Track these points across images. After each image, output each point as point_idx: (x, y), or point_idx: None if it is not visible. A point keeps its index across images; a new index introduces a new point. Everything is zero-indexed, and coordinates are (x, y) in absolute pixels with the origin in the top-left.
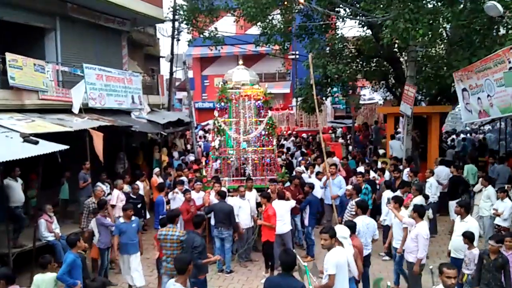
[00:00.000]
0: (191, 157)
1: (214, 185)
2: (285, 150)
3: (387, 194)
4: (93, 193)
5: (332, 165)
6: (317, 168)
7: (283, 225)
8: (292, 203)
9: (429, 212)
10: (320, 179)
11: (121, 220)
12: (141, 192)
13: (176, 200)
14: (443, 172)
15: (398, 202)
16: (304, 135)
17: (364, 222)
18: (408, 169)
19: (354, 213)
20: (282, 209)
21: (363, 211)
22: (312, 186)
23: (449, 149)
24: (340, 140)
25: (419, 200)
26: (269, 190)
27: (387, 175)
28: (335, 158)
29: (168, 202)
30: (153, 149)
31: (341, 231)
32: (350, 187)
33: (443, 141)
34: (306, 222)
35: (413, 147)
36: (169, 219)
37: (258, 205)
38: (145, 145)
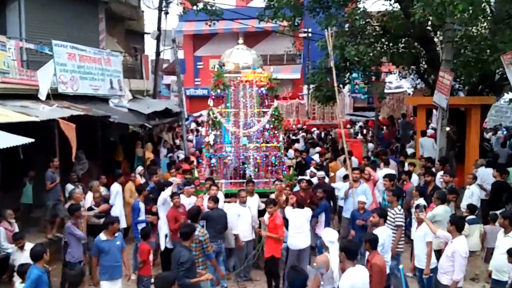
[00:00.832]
0: (181, 155)
1: (210, 188)
2: (296, 146)
3: (420, 202)
4: (69, 195)
5: (355, 170)
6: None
7: (303, 238)
8: (309, 211)
9: (469, 227)
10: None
11: (102, 236)
12: (119, 197)
13: (167, 204)
14: (489, 176)
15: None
16: (315, 129)
17: (387, 233)
18: (441, 172)
19: (401, 222)
20: (301, 218)
21: (386, 220)
22: (327, 190)
23: (498, 148)
24: (359, 137)
25: (440, 210)
26: (273, 195)
27: (414, 179)
28: (353, 159)
29: (153, 212)
30: (134, 144)
31: (328, 234)
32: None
33: (485, 139)
34: (319, 231)
35: (449, 145)
36: (190, 218)
37: (260, 213)
38: (126, 139)
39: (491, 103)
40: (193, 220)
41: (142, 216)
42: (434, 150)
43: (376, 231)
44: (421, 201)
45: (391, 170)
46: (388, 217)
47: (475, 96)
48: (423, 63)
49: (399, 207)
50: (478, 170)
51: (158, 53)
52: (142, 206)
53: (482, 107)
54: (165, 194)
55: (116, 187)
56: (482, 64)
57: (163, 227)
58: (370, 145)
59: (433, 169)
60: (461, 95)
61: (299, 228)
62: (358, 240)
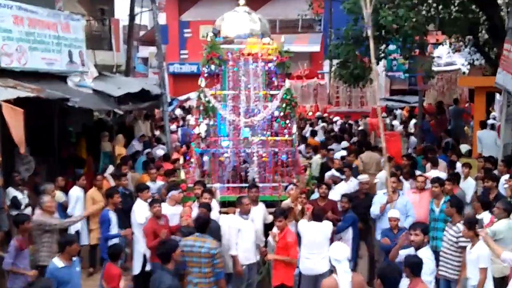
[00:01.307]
0: (161, 151)
1: (201, 195)
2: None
3: (484, 217)
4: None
5: (393, 177)
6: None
7: (321, 260)
8: (330, 226)
9: None
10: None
11: (58, 262)
12: (80, 204)
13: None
14: None
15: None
16: (337, 118)
17: (429, 256)
18: (507, 176)
19: (466, 242)
20: (318, 235)
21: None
22: (351, 198)
23: None
24: (399, 128)
25: (503, 226)
26: (286, 202)
27: (470, 184)
28: (374, 154)
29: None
30: (101, 136)
31: (336, 251)
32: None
33: None
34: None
35: None
36: (197, 228)
37: (267, 228)
38: (90, 130)
39: None
40: (202, 230)
41: (114, 230)
42: (497, 147)
43: (420, 253)
44: (486, 215)
45: (441, 173)
46: (447, 236)
47: None
48: (483, 32)
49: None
50: None
51: (132, 16)
52: (113, 216)
53: None
54: (138, 209)
55: (76, 191)
56: None
57: (138, 244)
58: (413, 140)
59: (496, 172)
60: None
61: (315, 247)
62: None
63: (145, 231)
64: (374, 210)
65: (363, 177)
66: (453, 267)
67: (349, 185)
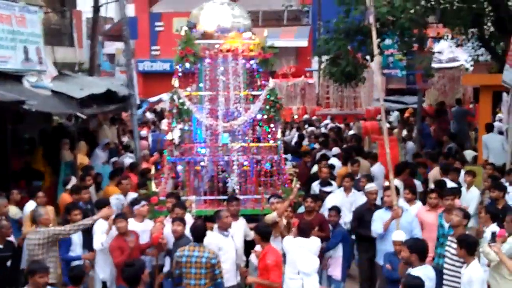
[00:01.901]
0: (128, 159)
1: (172, 209)
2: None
3: (493, 229)
4: None
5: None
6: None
7: (307, 282)
8: (317, 242)
9: None
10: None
11: None
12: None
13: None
14: None
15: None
16: (327, 122)
17: (427, 275)
18: None
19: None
20: (305, 253)
21: (420, 257)
22: (338, 210)
23: None
24: (395, 132)
25: None
26: (271, 216)
27: (474, 194)
28: (376, 167)
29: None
30: (61, 143)
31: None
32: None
33: None
34: (336, 273)
35: None
36: (195, 237)
37: (248, 245)
38: (48, 136)
39: None
40: (198, 240)
41: (77, 251)
42: (505, 152)
43: (416, 271)
44: (494, 227)
45: (451, 182)
46: (450, 251)
47: None
48: (488, 24)
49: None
50: None
51: (96, 8)
52: (77, 235)
53: None
54: (98, 231)
55: (32, 207)
56: None
57: (98, 269)
58: (410, 145)
59: (504, 181)
60: None
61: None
62: None
63: (110, 249)
64: (376, 228)
65: (371, 185)
66: (459, 285)
67: (350, 199)
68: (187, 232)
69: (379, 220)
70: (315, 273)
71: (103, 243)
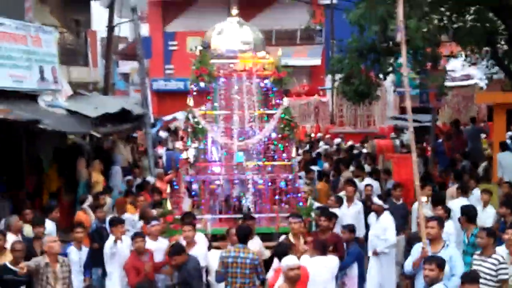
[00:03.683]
0: (149, 178)
1: (182, 227)
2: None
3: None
4: None
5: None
6: None
7: None
8: (336, 261)
9: None
10: None
11: None
12: None
13: (118, 255)
14: None
15: None
16: (338, 140)
17: None
18: None
19: (506, 275)
20: (324, 271)
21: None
22: (352, 229)
23: None
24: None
25: None
26: (287, 236)
27: (490, 213)
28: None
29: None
30: (76, 162)
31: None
32: None
33: None
34: None
35: None
36: (240, 239)
37: (266, 264)
38: (63, 155)
39: None
40: (243, 241)
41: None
42: None
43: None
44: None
45: (466, 201)
46: (482, 270)
47: None
48: (502, 42)
49: (501, 253)
50: None
51: (111, 28)
52: (74, 253)
53: None
54: (109, 243)
55: (48, 225)
56: None
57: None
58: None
59: None
60: None
61: (320, 285)
62: None
63: (126, 269)
64: (407, 265)
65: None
66: None
67: (350, 211)
68: (195, 251)
69: (411, 256)
70: None
71: (112, 248)
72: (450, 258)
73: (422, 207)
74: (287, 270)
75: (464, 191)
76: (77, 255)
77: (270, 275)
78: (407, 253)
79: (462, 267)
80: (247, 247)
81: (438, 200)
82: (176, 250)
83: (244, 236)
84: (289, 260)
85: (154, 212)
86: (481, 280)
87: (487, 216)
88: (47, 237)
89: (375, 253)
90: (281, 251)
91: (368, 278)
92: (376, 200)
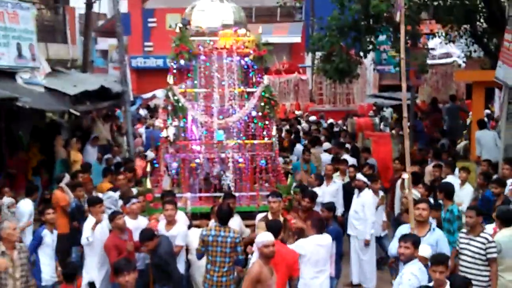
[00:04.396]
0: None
1: (163, 206)
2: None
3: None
4: None
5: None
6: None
7: (325, 280)
8: (330, 238)
9: None
10: None
11: None
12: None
13: (98, 236)
14: None
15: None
16: (313, 117)
17: (415, 271)
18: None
19: (495, 253)
20: (321, 251)
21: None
22: (331, 207)
23: None
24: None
25: (505, 237)
26: (266, 215)
27: (467, 191)
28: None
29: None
30: (55, 140)
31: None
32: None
33: None
34: (331, 270)
35: None
36: (221, 219)
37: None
38: (41, 133)
39: None
40: (224, 222)
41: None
42: (497, 148)
43: (407, 267)
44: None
45: (455, 178)
46: (470, 249)
47: None
48: (481, 20)
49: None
50: None
51: (89, 4)
52: (47, 235)
53: None
54: (87, 230)
55: (28, 205)
56: None
57: (88, 269)
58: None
59: (496, 177)
60: None
61: (321, 264)
62: None
63: (106, 247)
64: (391, 248)
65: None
66: (482, 284)
67: (329, 189)
68: (176, 230)
69: (397, 239)
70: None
71: (88, 238)
72: (436, 242)
73: (411, 192)
74: (262, 246)
75: (452, 169)
76: (50, 238)
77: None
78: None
79: (448, 251)
80: (228, 226)
81: (417, 178)
82: (146, 236)
83: (225, 217)
84: (264, 237)
85: (134, 190)
86: (468, 259)
87: (465, 194)
88: (6, 223)
89: (367, 244)
90: (275, 228)
91: (352, 256)
92: (359, 176)
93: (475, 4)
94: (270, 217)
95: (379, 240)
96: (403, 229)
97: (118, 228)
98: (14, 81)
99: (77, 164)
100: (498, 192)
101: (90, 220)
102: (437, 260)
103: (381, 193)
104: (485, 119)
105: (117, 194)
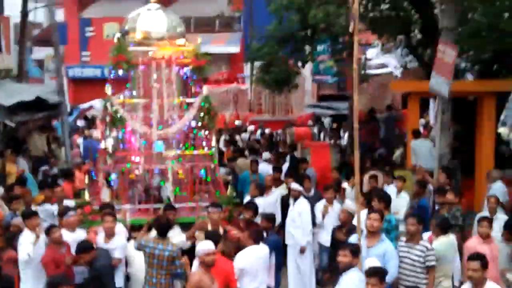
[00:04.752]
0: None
1: (102, 218)
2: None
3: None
4: None
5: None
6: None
7: None
8: (267, 249)
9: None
10: None
11: None
12: None
13: (38, 249)
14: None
15: None
16: (251, 127)
17: (356, 280)
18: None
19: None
20: (259, 261)
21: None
22: (269, 218)
23: None
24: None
25: (443, 244)
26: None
27: (404, 199)
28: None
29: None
30: None
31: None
32: None
33: (503, 140)
34: (271, 281)
35: (452, 151)
36: (159, 230)
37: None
38: None
39: (511, 90)
40: (162, 234)
41: None
42: (432, 156)
43: (347, 276)
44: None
45: (392, 187)
46: (410, 257)
47: (488, 79)
48: (416, 31)
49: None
50: (493, 186)
51: (25, 13)
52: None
53: (497, 96)
54: (25, 242)
55: None
56: (499, 33)
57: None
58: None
59: (430, 187)
60: (470, 78)
61: (260, 275)
62: None
63: (43, 262)
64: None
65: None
66: None
67: (269, 199)
68: (115, 242)
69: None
70: None
71: (30, 254)
72: (384, 254)
73: (358, 201)
74: (203, 255)
75: (391, 177)
76: None
77: (195, 264)
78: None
79: (395, 264)
80: (167, 239)
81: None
82: (83, 248)
83: (163, 229)
84: (205, 245)
85: (72, 202)
86: (408, 267)
87: (401, 203)
88: None
89: (302, 251)
90: (214, 238)
91: (289, 266)
92: (293, 185)
93: (410, 15)
94: (209, 228)
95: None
96: (352, 239)
97: (55, 242)
98: None
99: (11, 176)
100: (441, 201)
101: (26, 234)
102: (370, 272)
103: (336, 203)
104: (420, 128)
105: (54, 207)
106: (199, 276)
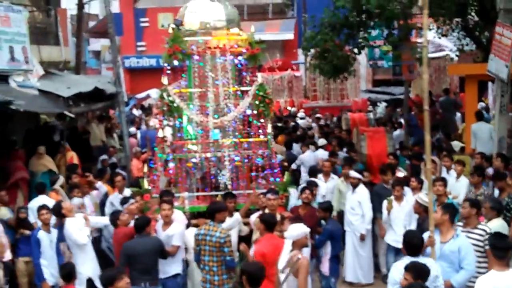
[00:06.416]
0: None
1: (160, 206)
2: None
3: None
4: None
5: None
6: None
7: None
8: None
9: None
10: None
11: None
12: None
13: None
14: None
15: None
16: (302, 113)
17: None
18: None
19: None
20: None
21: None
22: (326, 207)
23: None
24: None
25: (497, 226)
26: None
27: (462, 184)
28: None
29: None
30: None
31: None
32: None
33: None
34: (325, 269)
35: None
36: (210, 215)
37: (241, 241)
38: (35, 136)
39: None
40: (213, 218)
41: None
42: (492, 140)
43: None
44: (497, 223)
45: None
46: (470, 242)
47: None
48: (472, 14)
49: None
50: None
51: (81, 5)
52: (44, 236)
53: None
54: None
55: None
56: None
57: (83, 267)
58: (396, 134)
59: (489, 170)
60: None
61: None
62: None
63: (115, 242)
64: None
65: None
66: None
67: (328, 185)
68: (173, 229)
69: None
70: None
71: (89, 235)
72: (459, 249)
73: (431, 196)
74: (304, 237)
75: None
76: (48, 239)
77: (252, 249)
78: None
79: (472, 260)
80: (217, 224)
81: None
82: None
83: (212, 211)
84: (303, 228)
85: (128, 191)
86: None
87: (460, 186)
88: None
89: (362, 238)
90: (271, 221)
91: (347, 253)
92: (352, 173)
93: None
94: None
95: None
96: (424, 235)
97: (125, 222)
98: (7, 84)
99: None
100: (500, 186)
101: (70, 221)
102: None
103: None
104: (483, 111)
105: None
106: (306, 261)
